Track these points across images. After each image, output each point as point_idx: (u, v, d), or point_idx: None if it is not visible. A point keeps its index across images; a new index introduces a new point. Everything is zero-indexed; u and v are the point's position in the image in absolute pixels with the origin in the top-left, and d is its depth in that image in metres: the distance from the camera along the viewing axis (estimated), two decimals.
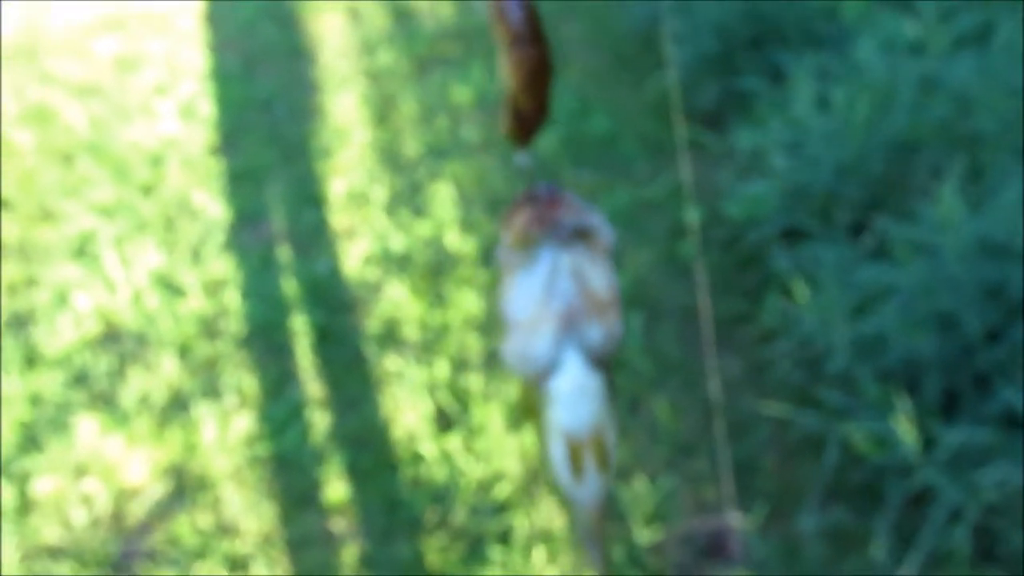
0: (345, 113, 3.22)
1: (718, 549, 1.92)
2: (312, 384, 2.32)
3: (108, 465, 2.15)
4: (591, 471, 0.70)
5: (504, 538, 1.95)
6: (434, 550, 1.95)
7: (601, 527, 0.76)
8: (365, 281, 2.58)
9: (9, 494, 2.09)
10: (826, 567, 1.86)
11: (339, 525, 2.02)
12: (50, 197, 2.90)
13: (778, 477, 2.04)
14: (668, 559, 1.90)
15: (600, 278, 0.67)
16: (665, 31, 2.98)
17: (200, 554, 1.97)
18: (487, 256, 2.60)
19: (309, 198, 2.88)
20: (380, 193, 2.85)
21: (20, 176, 3.00)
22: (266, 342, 2.43)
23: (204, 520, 2.03)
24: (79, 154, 3.08)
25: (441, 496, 2.04)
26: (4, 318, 2.51)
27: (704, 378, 2.22)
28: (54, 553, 2.00)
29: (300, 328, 2.46)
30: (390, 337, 2.42)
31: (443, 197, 2.80)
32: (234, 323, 2.47)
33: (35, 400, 2.29)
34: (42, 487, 2.11)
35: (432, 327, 2.42)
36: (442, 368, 2.31)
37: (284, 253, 2.69)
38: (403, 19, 3.75)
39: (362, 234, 2.72)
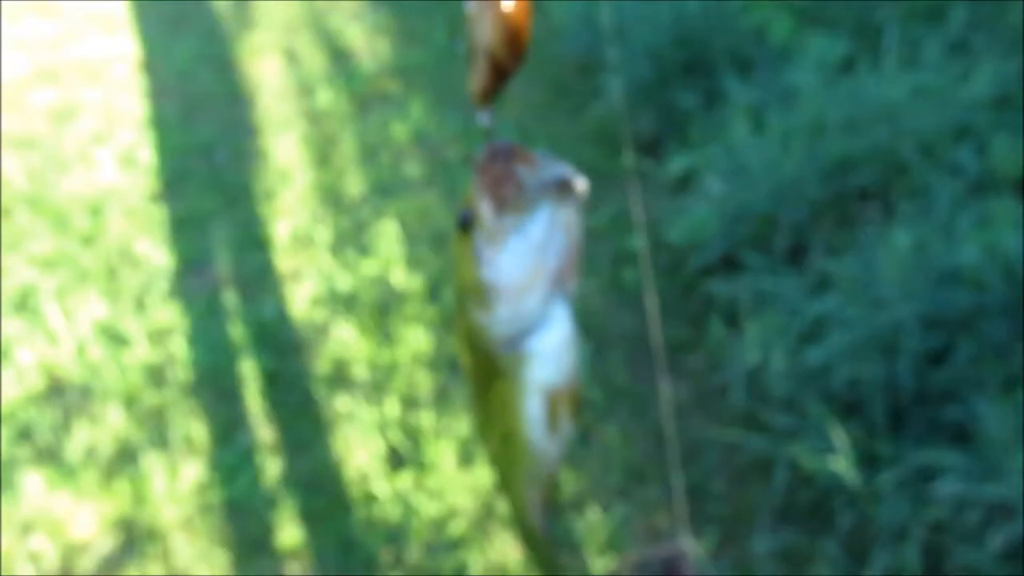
0: (286, 155, 3.22)
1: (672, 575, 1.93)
2: (262, 429, 2.31)
3: (55, 520, 2.11)
4: (566, 421, 0.71)
5: (459, 575, 1.95)
6: None
7: (555, 488, 0.77)
8: (312, 322, 2.58)
9: None
10: None
11: (294, 569, 2.00)
12: None
13: (729, 501, 2.05)
14: None
15: (580, 228, 0.67)
16: (606, 58, 3.02)
17: None
18: (434, 292, 2.61)
19: (253, 241, 2.87)
20: (324, 233, 2.85)
21: None
22: (214, 388, 2.41)
23: (155, 571, 2.01)
24: (17, 207, 3.04)
25: (395, 535, 2.04)
26: None
27: (654, 405, 2.24)
28: None
29: (248, 373, 2.44)
30: (339, 378, 2.41)
31: (388, 235, 2.81)
32: (181, 371, 2.45)
33: None
34: None
35: (381, 366, 2.42)
36: (392, 406, 2.30)
37: (230, 298, 2.67)
38: (341, 59, 3.76)
39: (308, 275, 2.72)
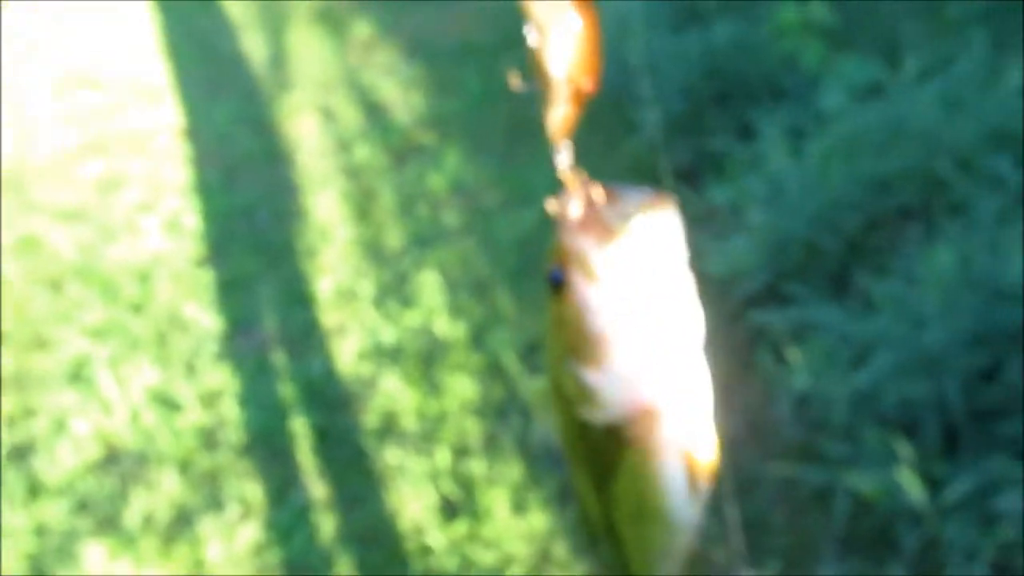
0: (326, 212, 3.26)
1: None
2: (315, 486, 2.31)
3: None
4: (704, 480, 0.64)
5: None
6: None
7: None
8: (359, 376, 2.59)
9: None
10: None
11: None
12: (42, 324, 2.93)
13: (790, 532, 2.02)
14: None
15: (682, 247, 0.61)
16: (638, 92, 3.02)
17: None
18: (478, 339, 2.61)
19: (298, 299, 2.90)
20: (367, 287, 2.87)
21: (12, 307, 3.03)
22: (266, 448, 2.43)
23: None
24: (68, 278, 3.11)
25: None
26: (4, 450, 2.51)
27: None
28: None
29: (299, 431, 2.46)
30: (389, 430, 2.41)
31: (429, 285, 2.82)
32: (233, 433, 2.48)
33: (40, 531, 2.29)
34: None
35: (430, 416, 2.42)
36: (443, 456, 2.30)
37: (278, 357, 2.70)
38: (376, 113, 3.81)
39: (353, 330, 2.74)
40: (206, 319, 2.86)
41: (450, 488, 2.23)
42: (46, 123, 4.10)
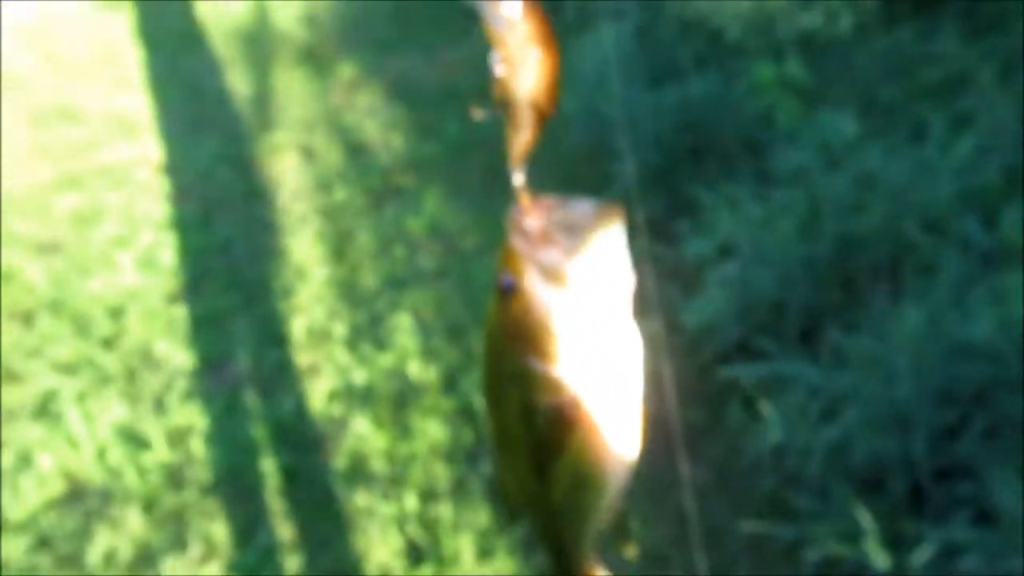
0: (303, 252, 3.26)
1: None
2: (282, 527, 2.30)
3: None
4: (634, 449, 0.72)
5: None
6: None
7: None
8: (330, 417, 2.58)
9: None
10: None
11: None
12: (11, 358, 2.90)
13: None
14: None
15: (626, 250, 0.69)
16: (615, 145, 3.05)
17: None
18: (450, 383, 2.61)
19: (271, 338, 2.89)
20: (341, 328, 2.87)
21: None
22: (234, 488, 2.41)
23: None
24: (39, 312, 3.09)
25: None
26: None
27: (674, 489, 2.21)
28: None
29: (267, 471, 2.44)
30: (358, 472, 2.40)
31: (403, 327, 2.82)
32: (200, 471, 2.46)
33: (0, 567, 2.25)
34: None
35: (399, 459, 2.42)
36: (411, 500, 2.29)
37: (249, 396, 2.69)
38: (356, 154, 3.83)
39: (325, 370, 2.73)
40: (178, 356, 2.85)
41: (417, 532, 2.22)
42: (23, 155, 4.09)
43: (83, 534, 2.32)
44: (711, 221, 2.68)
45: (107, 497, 2.41)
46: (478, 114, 0.70)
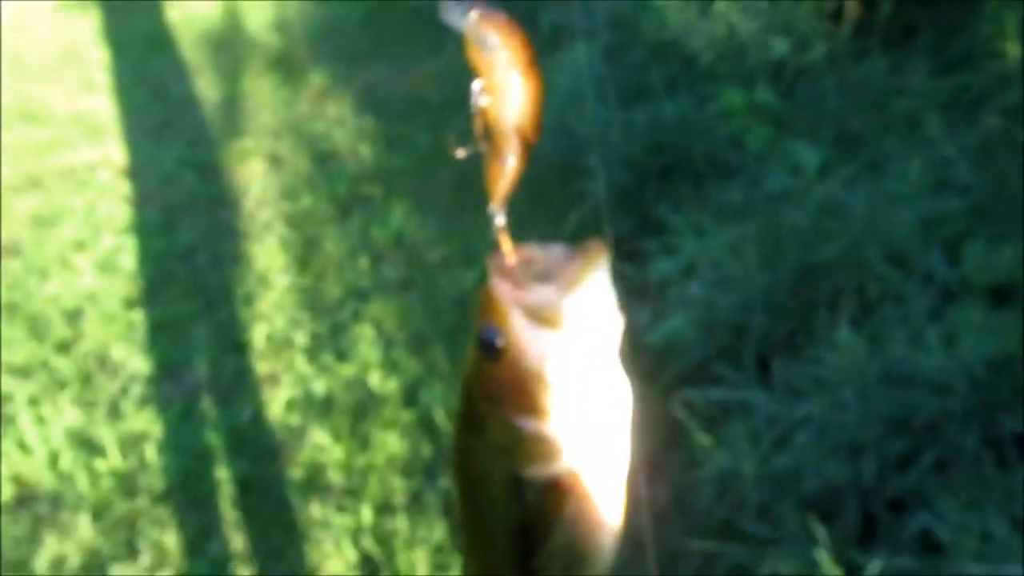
0: (266, 259, 3.24)
1: None
2: (235, 537, 2.27)
3: None
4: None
5: None
6: None
7: None
8: (288, 427, 2.55)
9: None
10: None
11: None
12: None
13: None
14: None
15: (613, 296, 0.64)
16: (584, 164, 3.05)
17: None
18: (411, 395, 2.59)
19: (231, 346, 2.86)
20: (302, 337, 2.85)
21: None
22: (187, 496, 2.38)
23: None
24: None
25: None
26: None
27: (630, 511, 2.20)
28: None
29: (222, 479, 2.41)
30: (314, 483, 2.38)
31: (365, 338, 2.80)
32: (153, 478, 2.42)
33: None
34: None
35: (356, 470, 2.39)
36: (367, 513, 2.27)
37: (206, 403, 2.66)
38: (324, 162, 3.81)
39: (284, 379, 2.71)
40: (134, 361, 2.81)
41: (372, 546, 2.20)
42: None
43: (32, 540, 2.28)
44: (678, 243, 2.69)
45: (57, 503, 2.37)
46: (461, 152, 0.65)
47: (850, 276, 2.38)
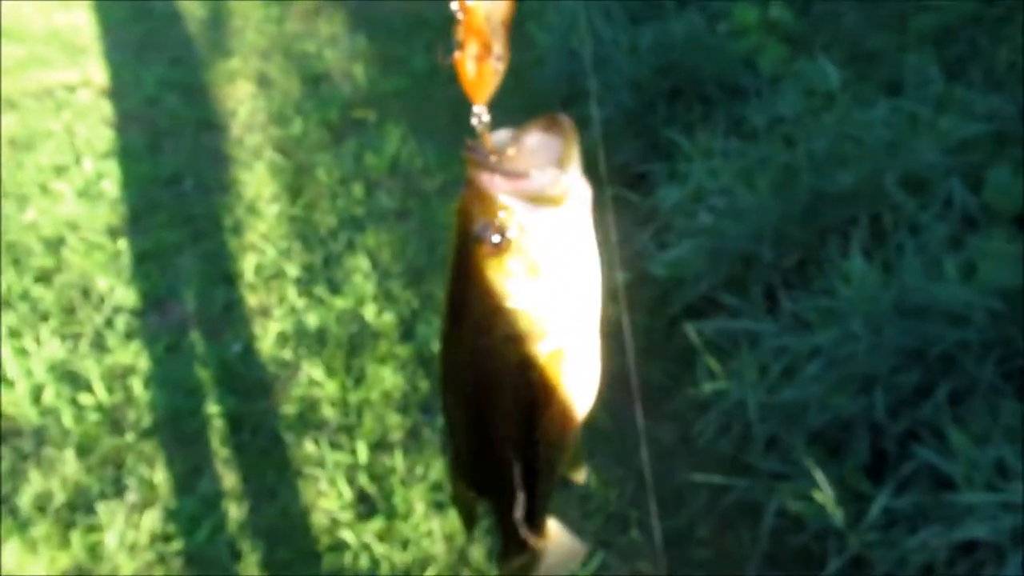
0: (256, 186, 3.12)
1: None
2: (226, 475, 2.19)
3: (5, 574, 1.99)
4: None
5: None
6: None
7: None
8: (280, 361, 2.47)
9: None
10: None
11: None
12: None
13: (715, 545, 1.96)
14: None
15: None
16: (591, 85, 2.94)
17: None
18: (408, 329, 2.50)
19: (220, 277, 2.76)
20: (294, 268, 2.75)
21: None
22: (175, 432, 2.30)
23: None
24: None
25: None
26: None
27: (636, 448, 2.14)
28: None
29: (211, 415, 2.33)
30: (307, 420, 2.30)
31: (360, 269, 2.70)
32: (140, 414, 2.34)
33: None
34: None
35: (351, 406, 2.31)
36: (362, 450, 2.19)
37: (194, 336, 2.56)
38: (316, 85, 3.68)
39: (276, 312, 2.61)
40: (119, 292, 2.71)
41: (368, 483, 2.13)
42: None
43: (15, 476, 2.20)
44: (686, 168, 2.58)
45: (41, 438, 2.29)
46: (447, 61, 0.66)
47: (865, 204, 2.28)
